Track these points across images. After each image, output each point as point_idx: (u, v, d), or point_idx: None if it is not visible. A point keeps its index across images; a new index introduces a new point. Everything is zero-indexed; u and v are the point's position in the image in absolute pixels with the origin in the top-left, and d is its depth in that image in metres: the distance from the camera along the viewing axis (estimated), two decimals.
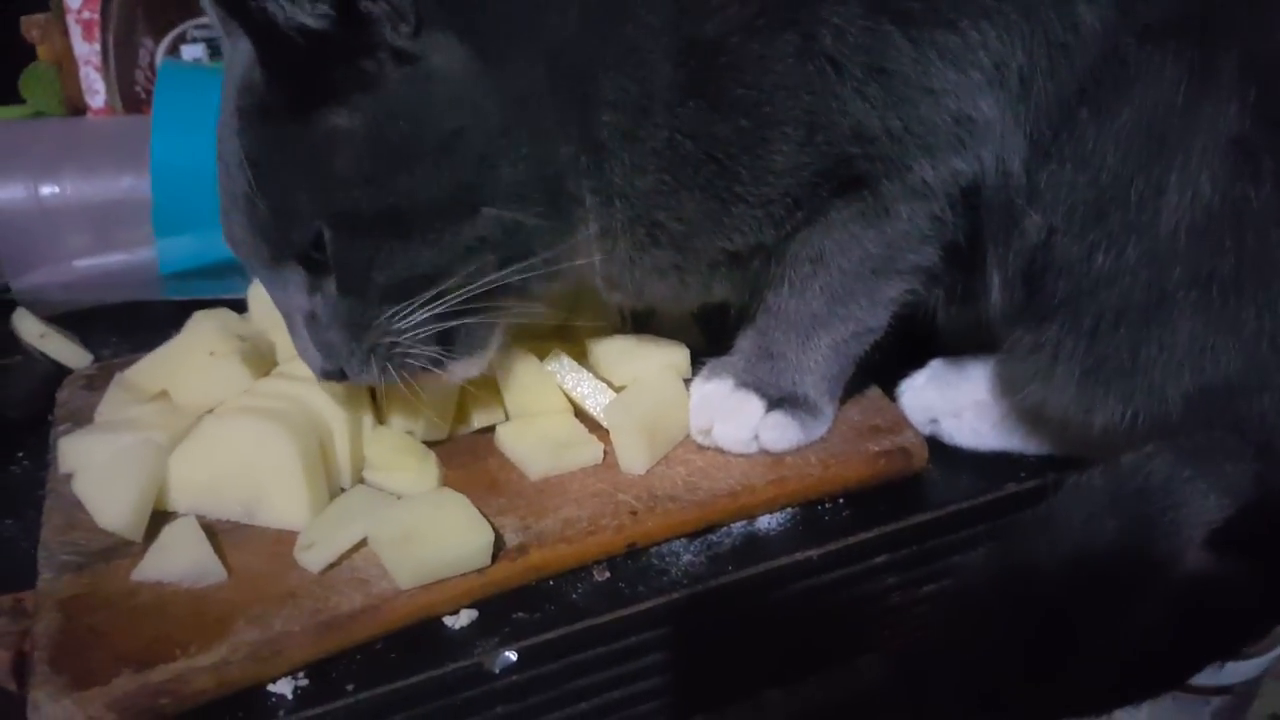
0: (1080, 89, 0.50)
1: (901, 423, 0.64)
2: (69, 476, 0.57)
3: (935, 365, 0.67)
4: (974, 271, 0.58)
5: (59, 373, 0.72)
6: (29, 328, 0.76)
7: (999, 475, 0.63)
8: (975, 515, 0.62)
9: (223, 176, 0.53)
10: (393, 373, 0.54)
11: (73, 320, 0.79)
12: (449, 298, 0.52)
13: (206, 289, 0.79)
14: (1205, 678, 1.42)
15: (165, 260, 0.80)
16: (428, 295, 0.51)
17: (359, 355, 0.53)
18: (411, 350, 0.53)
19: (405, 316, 0.52)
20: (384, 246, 0.50)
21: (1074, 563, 0.53)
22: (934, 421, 0.66)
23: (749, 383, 0.61)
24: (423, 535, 0.52)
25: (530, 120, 0.51)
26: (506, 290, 0.53)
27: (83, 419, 0.63)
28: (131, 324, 0.79)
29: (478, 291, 0.52)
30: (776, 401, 0.60)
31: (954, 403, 0.65)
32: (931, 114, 0.51)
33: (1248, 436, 0.54)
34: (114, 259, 0.79)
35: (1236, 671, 1.39)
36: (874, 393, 0.67)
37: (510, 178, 0.51)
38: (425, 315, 0.52)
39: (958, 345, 0.68)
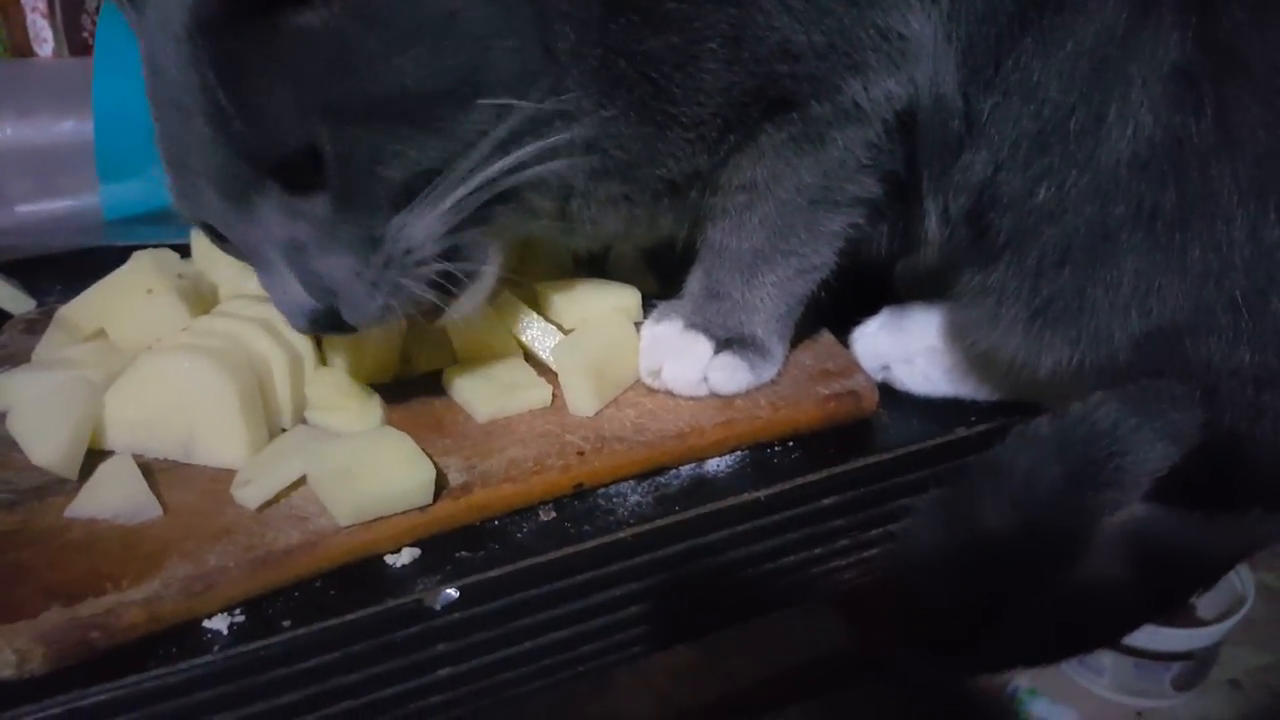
0: (1022, 14, 0.49)
1: (853, 367, 0.64)
2: (3, 415, 0.56)
3: (888, 312, 0.67)
4: (915, 205, 0.57)
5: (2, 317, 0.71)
6: None
7: (949, 420, 0.63)
8: (925, 459, 0.62)
9: (169, 115, 0.49)
10: (396, 307, 0.51)
11: (15, 268, 0.77)
12: (454, 197, 0.49)
13: (151, 234, 0.78)
14: (1166, 644, 1.44)
15: (109, 206, 0.78)
16: (435, 194, 0.49)
17: (366, 276, 0.49)
18: (420, 270, 0.50)
19: (414, 223, 0.49)
20: (390, 137, 0.47)
21: (1019, 510, 0.53)
22: (886, 368, 0.65)
23: (697, 324, 0.60)
24: (362, 471, 0.51)
25: (511, 18, 0.49)
26: (504, 198, 0.52)
27: (22, 361, 0.61)
28: (76, 271, 0.77)
29: (479, 195, 0.50)
30: (725, 342, 0.60)
31: (906, 349, 0.65)
32: (857, 28, 0.50)
33: (1194, 382, 0.54)
34: (57, 204, 0.78)
35: (1196, 638, 1.41)
36: (826, 338, 0.66)
37: (504, 64, 0.49)
38: (434, 221, 0.49)
39: (912, 296, 0.68)
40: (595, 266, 0.70)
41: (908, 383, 0.65)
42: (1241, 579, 1.44)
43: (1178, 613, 1.39)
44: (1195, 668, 1.42)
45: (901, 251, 0.62)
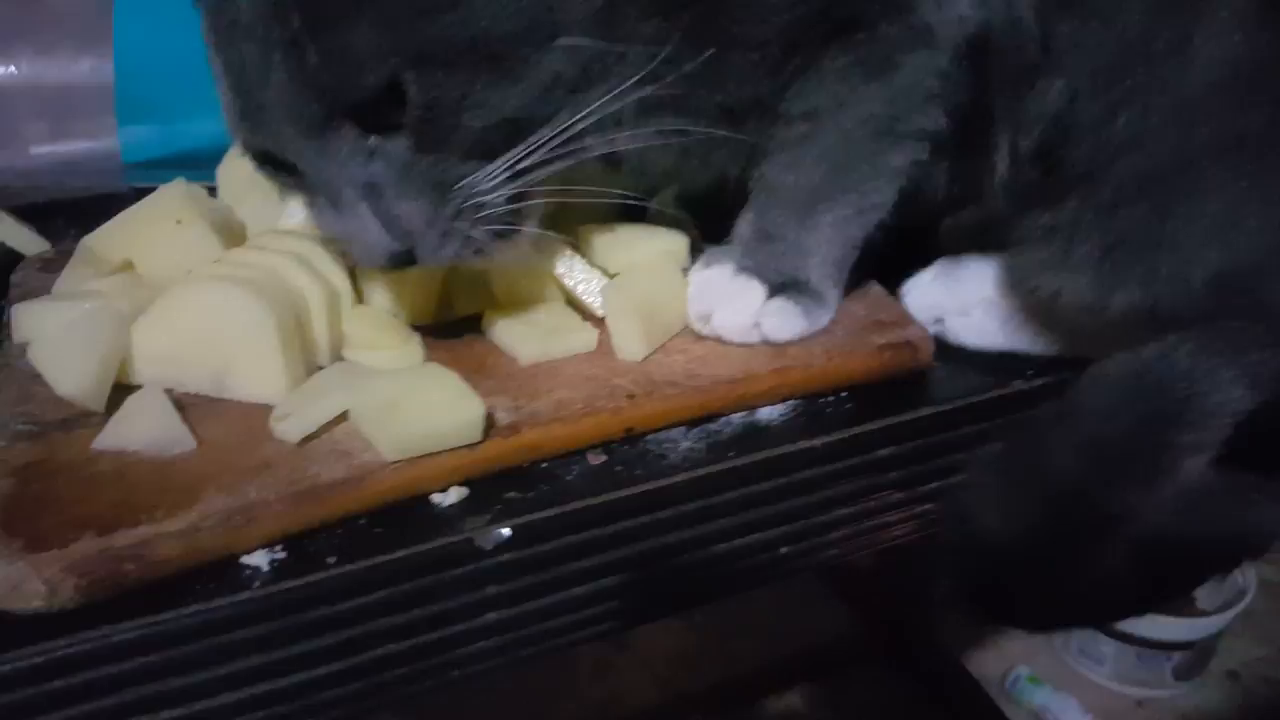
0: None
1: (906, 318, 0.61)
2: (24, 348, 0.53)
3: (941, 263, 0.65)
4: (982, 142, 0.55)
5: (13, 260, 0.68)
6: None
7: (1005, 374, 0.61)
8: (982, 412, 0.60)
9: (241, 46, 0.46)
10: (465, 254, 0.50)
11: (29, 212, 0.74)
12: (528, 144, 0.48)
13: (172, 179, 0.75)
14: (1167, 633, 1.44)
15: (128, 148, 0.76)
16: (509, 141, 0.47)
17: (439, 226, 0.48)
18: (487, 218, 0.49)
19: (486, 171, 0.47)
20: (474, 83, 0.45)
21: (1092, 455, 0.50)
22: (939, 321, 0.63)
23: (749, 268, 0.58)
24: (410, 407, 0.48)
25: None
26: (568, 143, 0.50)
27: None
28: (91, 214, 0.74)
29: (551, 141, 0.48)
30: (778, 287, 0.57)
31: (962, 300, 0.63)
32: None
33: (1274, 326, 0.52)
34: (73, 146, 0.75)
35: (1197, 628, 1.40)
36: (876, 290, 0.64)
37: (580, 5, 0.47)
38: (506, 173, 0.48)
39: (958, 252, 0.66)
40: (634, 219, 0.68)
41: (963, 335, 0.63)
42: (1242, 571, 1.43)
43: (1178, 603, 1.39)
44: (1195, 658, 1.43)
45: (961, 195, 0.60)
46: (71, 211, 0.76)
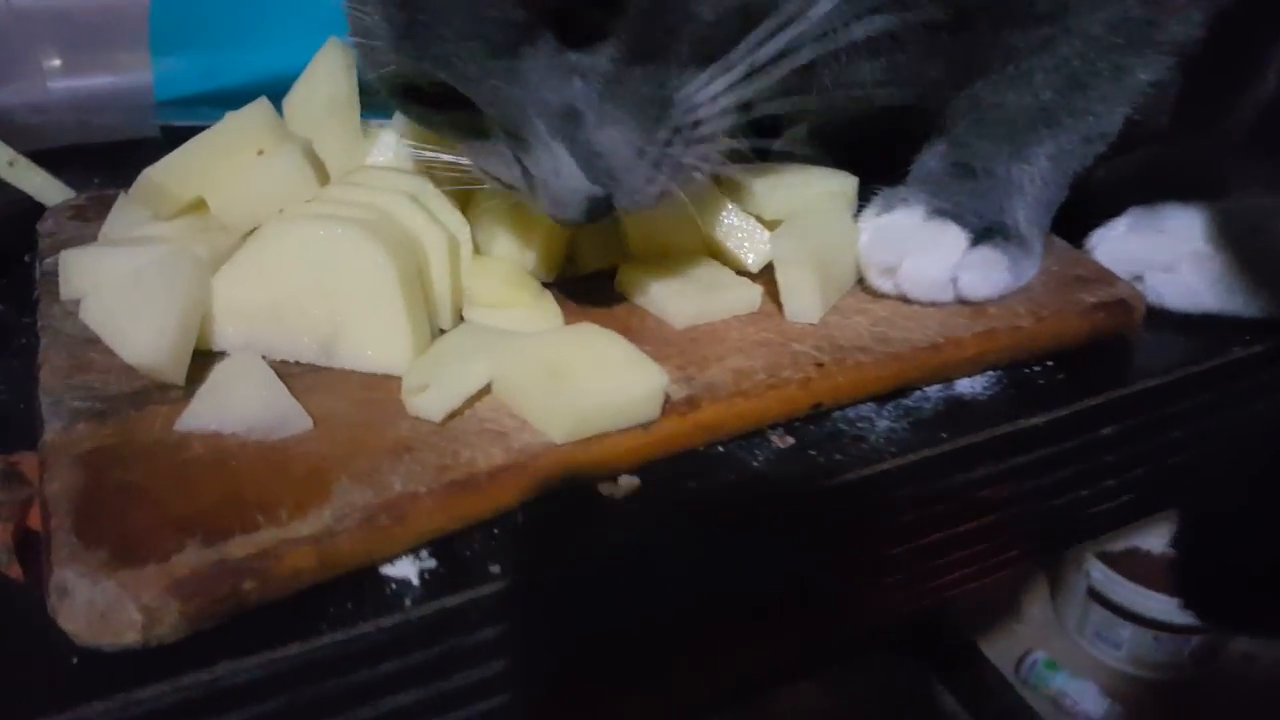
0: None
1: (1109, 274, 0.52)
2: (70, 309, 0.42)
3: (1137, 212, 0.55)
4: (1238, 62, 0.46)
5: (33, 209, 0.57)
6: None
7: (1218, 339, 0.53)
8: (1201, 382, 0.51)
9: None
10: (674, 191, 0.41)
11: (47, 157, 0.64)
12: (761, 53, 0.39)
13: (211, 118, 0.64)
14: (1186, 617, 1.38)
15: (162, 84, 0.65)
16: (738, 49, 0.38)
17: (647, 161, 0.39)
18: (707, 146, 0.40)
19: (710, 84, 0.39)
20: None
21: None
22: (1137, 278, 0.54)
23: (945, 210, 0.48)
24: (578, 377, 0.39)
25: None
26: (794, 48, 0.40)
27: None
28: (119, 162, 0.64)
29: (786, 33, 0.39)
30: (982, 233, 0.48)
31: (1167, 254, 0.54)
32: None
33: None
34: (99, 81, 0.64)
35: None
36: (1060, 243, 0.55)
37: None
38: (732, 82, 0.39)
39: (1115, 204, 0.58)
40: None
41: (1165, 295, 0.54)
42: None
43: None
44: (1213, 642, 1.40)
45: (1186, 125, 0.51)
46: (92, 156, 0.65)
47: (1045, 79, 0.45)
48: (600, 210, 0.40)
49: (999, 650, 1.41)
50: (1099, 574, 1.39)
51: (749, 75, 0.39)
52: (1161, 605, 1.34)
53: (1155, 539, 1.38)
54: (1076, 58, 0.45)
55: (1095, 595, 1.40)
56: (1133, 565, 1.38)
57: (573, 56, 0.37)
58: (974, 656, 1.37)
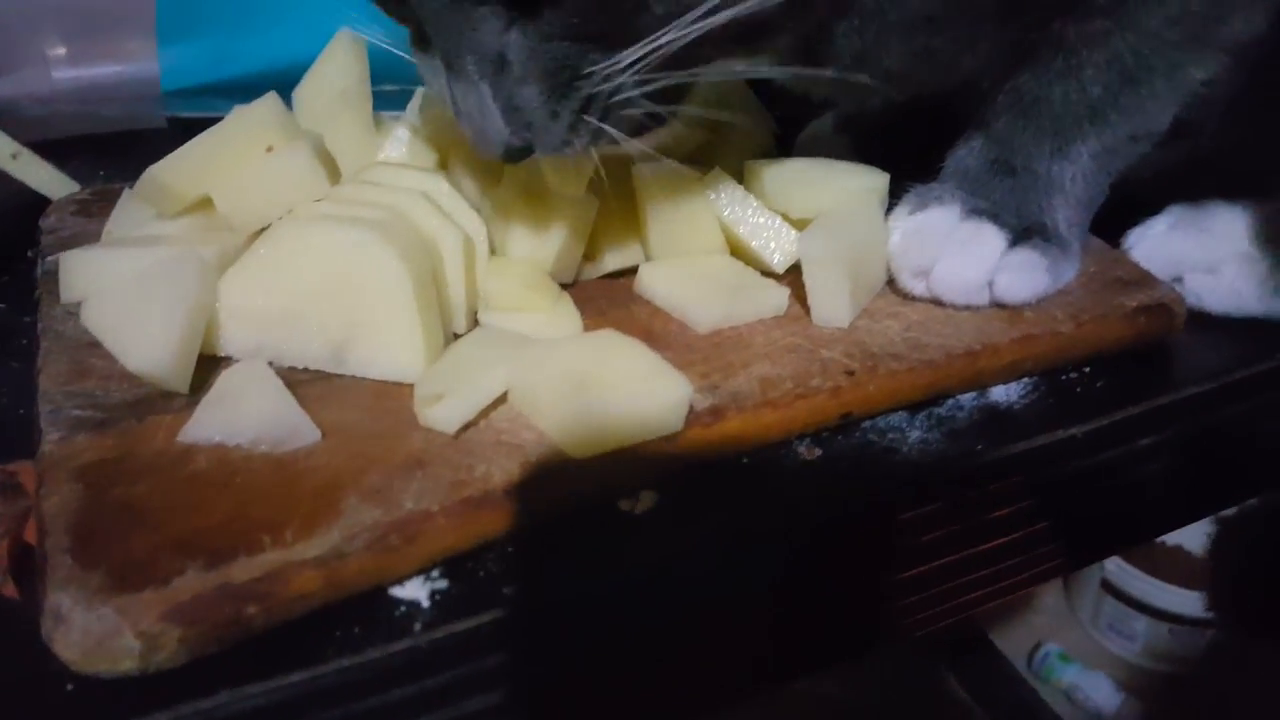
0: None
1: (1149, 276, 0.50)
2: (71, 311, 0.41)
3: (1178, 210, 0.53)
4: None
5: (36, 203, 0.56)
6: None
7: (1263, 343, 0.50)
8: (1247, 389, 0.49)
9: None
10: (586, 149, 0.39)
11: (51, 149, 0.62)
12: (683, 22, 0.36)
13: (219, 109, 0.63)
14: (1201, 609, 1.36)
15: (168, 73, 0.63)
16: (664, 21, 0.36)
17: (567, 113, 0.38)
18: (621, 112, 0.39)
19: (630, 55, 0.37)
20: None
21: None
22: (1178, 279, 0.52)
23: (982, 209, 0.46)
24: (598, 387, 0.37)
25: None
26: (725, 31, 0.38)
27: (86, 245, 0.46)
28: (124, 154, 0.62)
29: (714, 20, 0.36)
30: (1021, 233, 0.46)
31: (1211, 254, 0.51)
32: None
33: None
34: (104, 70, 0.63)
35: None
36: (1096, 243, 0.53)
37: None
38: (652, 55, 0.37)
39: (1154, 201, 0.55)
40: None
41: (1207, 297, 0.52)
42: None
43: None
44: (1228, 636, 1.38)
45: (1235, 122, 0.48)
46: (95, 148, 0.64)
47: (1095, 74, 0.43)
48: (518, 155, 0.40)
49: (1011, 642, 1.40)
50: (1113, 566, 1.37)
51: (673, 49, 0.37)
52: (1176, 598, 1.33)
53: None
54: (1130, 53, 0.42)
55: (1109, 587, 1.39)
56: (1147, 558, 1.36)
57: (516, 12, 0.37)
58: (986, 648, 1.37)
